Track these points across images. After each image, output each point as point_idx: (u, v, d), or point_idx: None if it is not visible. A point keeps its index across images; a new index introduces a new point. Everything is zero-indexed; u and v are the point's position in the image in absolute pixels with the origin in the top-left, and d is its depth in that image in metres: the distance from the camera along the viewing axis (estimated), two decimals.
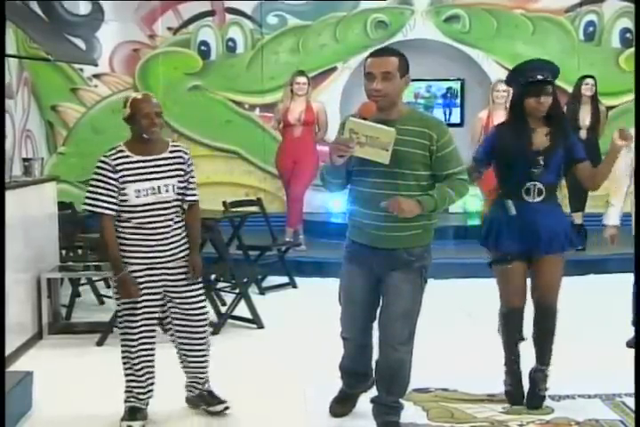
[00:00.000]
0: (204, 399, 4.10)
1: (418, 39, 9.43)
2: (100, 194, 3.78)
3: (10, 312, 4.47)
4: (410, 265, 3.58)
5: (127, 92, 9.55)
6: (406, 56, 3.58)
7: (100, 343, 5.36)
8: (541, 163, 3.95)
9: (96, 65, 8.61)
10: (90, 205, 3.80)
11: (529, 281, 4.13)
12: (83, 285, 6.52)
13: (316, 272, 7.48)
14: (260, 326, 5.79)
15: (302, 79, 8.01)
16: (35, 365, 4.53)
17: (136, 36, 9.61)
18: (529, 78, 3.95)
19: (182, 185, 3.91)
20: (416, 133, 3.48)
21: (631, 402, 4.12)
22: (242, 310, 5.82)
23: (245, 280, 6.11)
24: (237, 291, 5.91)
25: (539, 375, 4.14)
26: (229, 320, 5.77)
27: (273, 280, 7.21)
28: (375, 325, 3.74)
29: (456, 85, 9.92)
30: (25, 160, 6.10)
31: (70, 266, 6.27)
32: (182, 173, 3.90)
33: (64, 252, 6.61)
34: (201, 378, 4.10)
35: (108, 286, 6.66)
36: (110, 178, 3.77)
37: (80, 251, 6.82)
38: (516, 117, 4.05)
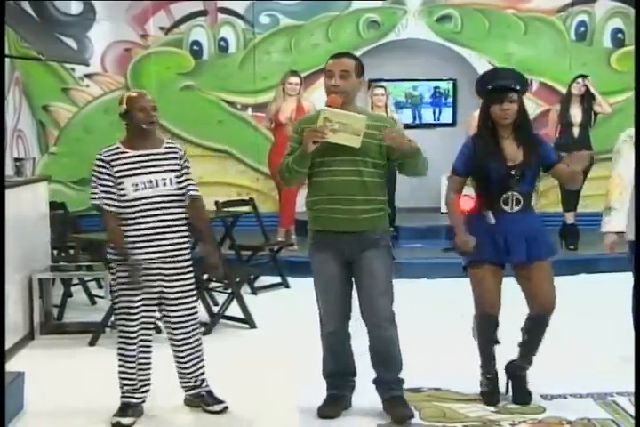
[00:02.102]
0: (203, 400, 4.12)
1: (410, 39, 9.42)
2: (97, 188, 3.91)
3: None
4: (377, 244, 3.85)
5: (119, 92, 9.57)
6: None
7: (92, 344, 5.36)
8: (517, 176, 3.96)
9: (88, 65, 8.60)
10: (92, 199, 3.94)
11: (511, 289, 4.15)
12: (74, 285, 6.51)
13: (309, 272, 7.41)
14: (253, 326, 5.79)
15: (295, 79, 8.02)
16: (26, 365, 4.52)
17: (128, 35, 9.59)
18: (491, 85, 3.97)
19: (180, 180, 3.98)
20: (372, 126, 3.76)
21: (622, 401, 4.15)
22: (234, 310, 5.81)
23: (238, 280, 6.10)
24: (230, 291, 5.91)
25: (521, 372, 4.17)
26: (222, 320, 5.77)
27: (265, 280, 7.20)
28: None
29: (447, 85, 9.93)
30: (16, 160, 6.09)
31: (62, 266, 6.26)
32: (178, 167, 3.99)
33: (56, 252, 6.60)
34: (193, 378, 4.10)
35: (100, 287, 6.65)
36: (105, 173, 3.89)
37: (72, 251, 6.80)
38: (485, 128, 4.06)
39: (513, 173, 3.96)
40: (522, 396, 4.16)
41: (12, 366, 4.72)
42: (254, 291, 6.91)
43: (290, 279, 7.23)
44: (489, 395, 4.19)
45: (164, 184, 3.91)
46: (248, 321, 5.81)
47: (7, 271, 4.89)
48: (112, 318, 5.49)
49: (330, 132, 3.64)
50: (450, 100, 9.94)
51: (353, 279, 3.93)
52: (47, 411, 4.12)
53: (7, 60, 8.12)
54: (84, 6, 9.44)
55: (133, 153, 3.91)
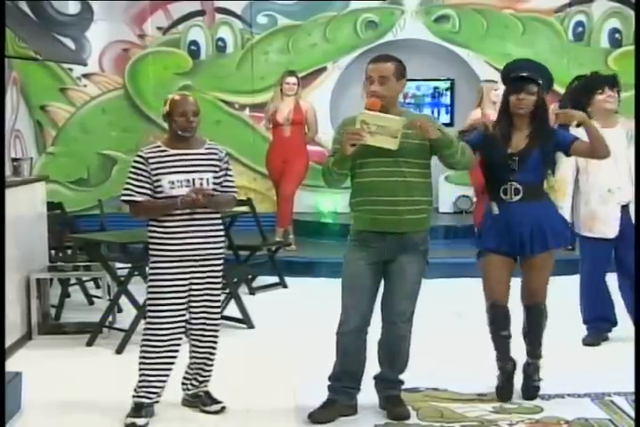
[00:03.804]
0: (200, 400, 4.13)
1: (408, 39, 9.44)
2: (132, 184, 3.94)
3: None
4: (417, 248, 3.91)
5: (117, 92, 9.58)
6: (402, 60, 3.89)
7: (89, 344, 5.35)
8: (514, 165, 3.99)
9: (85, 65, 8.60)
10: (123, 195, 3.96)
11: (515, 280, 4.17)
12: (72, 285, 6.50)
13: (307, 272, 7.48)
14: (251, 327, 5.79)
15: (292, 79, 8.02)
16: (24, 365, 4.51)
17: (126, 35, 9.58)
18: (511, 75, 4.05)
19: (218, 181, 4.01)
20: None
21: (620, 401, 4.15)
22: (232, 310, 5.81)
23: (235, 280, 6.10)
24: (227, 291, 5.90)
25: (531, 368, 4.20)
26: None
27: (263, 280, 7.20)
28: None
29: (445, 85, 9.94)
30: (14, 160, 6.08)
31: (59, 266, 6.25)
32: (217, 169, 4.02)
33: (53, 252, 6.59)
34: (206, 371, 4.12)
35: (98, 287, 6.65)
36: (142, 170, 3.92)
37: (69, 251, 6.80)
38: (501, 116, 4.13)
39: (511, 161, 4.00)
40: (527, 391, 4.19)
41: (9, 366, 4.70)
42: (252, 291, 6.90)
43: (288, 279, 7.23)
44: (500, 390, 4.20)
45: (201, 184, 3.93)
46: (246, 321, 5.80)
47: (5, 271, 4.89)
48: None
49: (367, 134, 3.66)
50: (447, 100, 9.96)
51: (382, 279, 3.95)
52: (45, 411, 4.11)
53: (5, 59, 8.12)
54: (81, 6, 9.44)
55: (173, 152, 3.95)
